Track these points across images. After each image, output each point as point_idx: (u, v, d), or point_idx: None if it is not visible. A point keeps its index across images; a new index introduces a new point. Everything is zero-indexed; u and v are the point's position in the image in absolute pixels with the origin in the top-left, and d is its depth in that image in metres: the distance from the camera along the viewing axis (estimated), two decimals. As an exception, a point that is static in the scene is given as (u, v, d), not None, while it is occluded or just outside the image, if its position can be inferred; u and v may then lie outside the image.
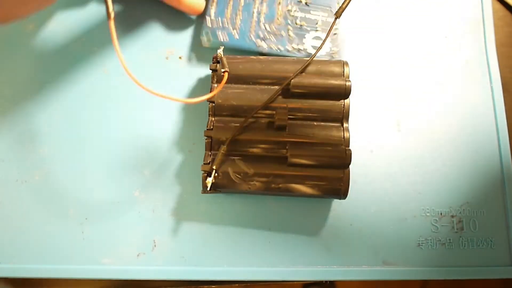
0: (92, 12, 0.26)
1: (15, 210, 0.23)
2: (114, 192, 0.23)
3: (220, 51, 0.23)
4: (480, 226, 0.23)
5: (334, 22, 0.22)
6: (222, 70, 0.22)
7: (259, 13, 0.25)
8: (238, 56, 0.23)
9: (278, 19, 0.25)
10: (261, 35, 0.25)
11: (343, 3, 0.22)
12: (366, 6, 0.27)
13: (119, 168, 0.24)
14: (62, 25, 0.26)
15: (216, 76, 0.23)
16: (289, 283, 0.25)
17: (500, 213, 0.24)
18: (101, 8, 0.27)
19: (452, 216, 0.23)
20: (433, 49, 0.26)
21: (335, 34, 0.25)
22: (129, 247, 0.23)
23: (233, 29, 0.25)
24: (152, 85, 0.25)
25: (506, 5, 0.28)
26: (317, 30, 0.25)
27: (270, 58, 0.23)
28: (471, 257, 0.23)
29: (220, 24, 0.25)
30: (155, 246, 0.23)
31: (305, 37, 0.25)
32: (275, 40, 0.25)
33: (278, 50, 0.24)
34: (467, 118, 0.25)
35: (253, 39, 0.25)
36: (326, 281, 0.24)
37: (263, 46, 0.24)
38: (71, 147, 0.24)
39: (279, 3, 0.25)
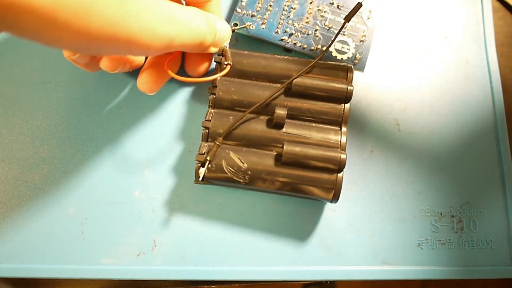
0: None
1: (15, 210, 0.23)
2: (114, 192, 0.23)
3: (226, 44, 0.23)
4: (480, 226, 0.23)
5: (343, 26, 0.22)
6: (225, 62, 0.22)
7: (289, 9, 0.25)
8: (243, 51, 0.23)
9: (307, 17, 0.25)
10: (288, 31, 0.25)
11: (353, 8, 0.22)
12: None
13: (119, 168, 0.24)
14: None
15: (219, 69, 0.23)
16: (289, 283, 0.25)
17: (500, 213, 0.24)
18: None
19: (452, 216, 0.23)
20: (433, 49, 0.26)
21: (361, 41, 0.25)
22: (129, 247, 0.23)
23: (261, 20, 0.25)
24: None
25: (506, 5, 0.28)
26: (344, 34, 0.25)
27: (275, 55, 0.23)
28: (471, 257, 0.23)
29: (250, 13, 0.25)
30: (155, 246, 0.23)
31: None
32: (301, 38, 0.25)
33: (302, 48, 0.25)
34: (467, 118, 0.25)
35: (280, 33, 0.25)
36: (326, 281, 0.24)
37: (288, 41, 0.25)
38: (71, 147, 0.24)
39: (311, 2, 0.25)
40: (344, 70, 0.23)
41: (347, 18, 0.22)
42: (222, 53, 0.23)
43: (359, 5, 0.22)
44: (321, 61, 0.23)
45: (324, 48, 0.25)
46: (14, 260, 0.23)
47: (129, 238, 0.23)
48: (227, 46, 0.23)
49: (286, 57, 0.23)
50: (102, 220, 0.23)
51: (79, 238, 0.23)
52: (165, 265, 0.22)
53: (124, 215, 0.23)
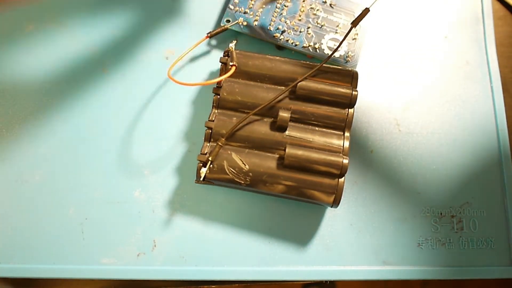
0: (92, 12, 0.26)
1: (15, 210, 0.23)
2: (114, 192, 0.23)
3: (232, 45, 0.23)
4: (480, 226, 0.23)
5: (349, 31, 0.22)
6: (231, 63, 0.22)
7: (282, 6, 0.25)
8: (249, 52, 0.23)
9: (300, 15, 0.25)
10: (281, 28, 0.25)
11: (360, 14, 0.22)
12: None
13: (119, 168, 0.24)
14: (62, 25, 0.26)
15: (224, 69, 0.23)
16: (289, 283, 0.25)
17: (500, 213, 0.24)
18: (101, 8, 0.27)
19: (452, 216, 0.23)
20: (433, 49, 0.26)
21: (354, 39, 0.25)
22: (129, 247, 0.23)
23: (254, 17, 0.25)
24: (152, 85, 0.25)
25: (506, 5, 0.28)
26: (336, 32, 0.25)
27: (281, 58, 0.23)
28: (471, 257, 0.23)
29: (242, 10, 0.25)
30: (155, 246, 0.23)
31: (323, 38, 0.25)
32: (293, 35, 0.25)
33: (294, 45, 0.25)
34: (467, 118, 0.25)
35: (272, 30, 0.25)
36: (326, 281, 0.24)
37: (280, 38, 0.25)
38: (71, 147, 0.24)
39: (304, 0, 0.25)
40: (349, 75, 0.23)
41: (354, 23, 0.22)
42: (227, 54, 0.23)
43: (366, 11, 0.22)
44: (326, 65, 0.23)
45: (322, 48, 0.25)
46: (14, 260, 0.23)
47: (129, 238, 0.23)
48: (233, 47, 0.23)
49: (291, 60, 0.23)
50: (102, 220, 0.23)
51: (79, 238, 0.23)
52: (165, 265, 0.22)
53: (124, 215, 0.23)
